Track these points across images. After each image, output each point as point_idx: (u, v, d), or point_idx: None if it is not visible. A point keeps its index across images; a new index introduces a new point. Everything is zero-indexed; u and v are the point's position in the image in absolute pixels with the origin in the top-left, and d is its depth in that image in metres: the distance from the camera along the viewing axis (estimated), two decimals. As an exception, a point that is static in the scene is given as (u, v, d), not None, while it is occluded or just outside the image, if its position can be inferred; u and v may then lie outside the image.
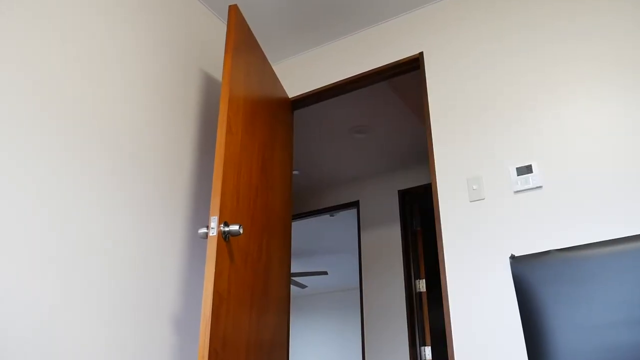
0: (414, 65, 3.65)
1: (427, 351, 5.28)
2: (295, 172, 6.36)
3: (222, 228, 2.47)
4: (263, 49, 4.19)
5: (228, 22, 2.99)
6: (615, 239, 2.51)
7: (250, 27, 3.92)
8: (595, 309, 2.32)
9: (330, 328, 11.85)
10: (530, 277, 2.57)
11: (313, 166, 6.26)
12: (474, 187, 3.00)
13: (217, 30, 3.84)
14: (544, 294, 2.47)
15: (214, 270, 2.36)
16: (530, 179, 2.84)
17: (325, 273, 9.10)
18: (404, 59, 3.66)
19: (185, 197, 3.19)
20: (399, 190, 6.20)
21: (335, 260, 10.36)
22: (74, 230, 2.46)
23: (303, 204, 6.97)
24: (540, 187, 2.82)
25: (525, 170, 2.87)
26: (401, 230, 5.89)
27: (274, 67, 4.32)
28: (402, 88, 4.72)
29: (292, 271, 10.57)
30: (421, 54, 3.59)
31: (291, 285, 10.82)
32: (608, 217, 2.63)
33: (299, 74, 4.15)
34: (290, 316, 12.46)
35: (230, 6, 3.04)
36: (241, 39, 3.09)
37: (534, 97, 3.03)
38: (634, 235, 2.49)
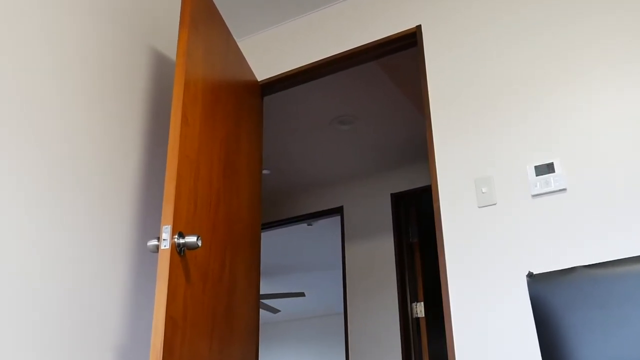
0: (409, 42, 3.66)
1: (426, 389, 5.30)
2: (265, 172, 6.35)
3: (176, 240, 2.48)
4: (227, 22, 4.18)
5: (183, -13, 2.98)
6: (653, 253, 2.53)
7: (211, -6, 3.91)
8: (631, 338, 2.32)
9: (308, 361, 11.86)
10: (552, 299, 2.57)
11: (287, 164, 6.25)
12: (484, 189, 3.01)
13: (171, 0, 3.83)
14: (569, 320, 2.47)
15: (166, 291, 2.36)
16: (551, 180, 2.85)
17: (302, 295, 9.10)
18: (397, 34, 3.66)
19: (132, 203, 3.17)
20: (392, 194, 6.21)
21: (315, 280, 10.38)
22: (-8, 243, 2.42)
23: (275, 210, 6.96)
24: (564, 189, 2.83)
25: (546, 169, 2.88)
26: (395, 242, 5.90)
27: (239, 44, 4.30)
28: (396, 70, 4.72)
29: (262, 292, 10.56)
30: (418, 27, 3.59)
31: (261, 310, 10.82)
32: (645, 226, 2.65)
33: (270, 52, 4.14)
34: (260, 347, 12.43)
35: (186, -32, 3.02)
36: (200, 9, 3.08)
37: (557, 81, 3.04)
38: (675, 248, 2.50)
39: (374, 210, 6.26)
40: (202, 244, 2.73)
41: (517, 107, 3.10)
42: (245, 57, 4.22)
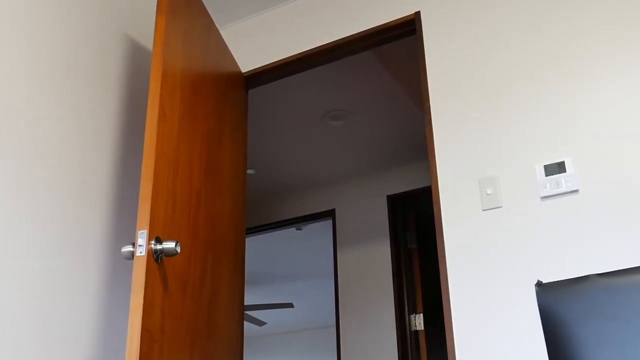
0: (407, 30, 3.66)
1: (425, 408, 5.30)
2: (250, 172, 6.34)
3: (153, 246, 2.48)
4: (208, 9, 4.17)
5: (161, -30, 2.97)
6: (672, 260, 2.53)
7: (191, -23, 3.91)
8: (648, 352, 2.32)
9: (296, 378, 11.86)
10: (563, 311, 2.57)
11: (274, 163, 6.25)
12: (488, 191, 3.01)
13: (147, -18, 3.82)
14: (582, 333, 2.47)
15: (142, 302, 2.36)
16: (562, 181, 2.86)
17: (290, 306, 9.11)
18: (394, 21, 3.66)
19: (104, 205, 3.16)
20: (388, 196, 6.21)
21: (304, 289, 10.38)
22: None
23: (261, 213, 6.95)
24: (576, 191, 2.84)
25: (557, 168, 2.89)
26: (391, 248, 5.91)
27: (222, 32, 4.30)
28: (393, 60, 4.72)
29: (246, 303, 10.56)
30: (417, 14, 3.59)
31: (245, 322, 10.82)
32: (663, 230, 2.65)
33: (256, 41, 4.13)
34: (244, 362, 12.42)
35: (163, -51, 3.01)
36: (179, -7, 3.07)
37: (569, 71, 3.05)
38: (697, 255, 2.50)
39: (368, 213, 6.26)
40: (181, 250, 2.73)
41: (525, 101, 3.10)
42: (229, 46, 4.21)
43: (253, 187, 6.68)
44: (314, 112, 5.41)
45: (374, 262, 6.01)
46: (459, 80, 3.32)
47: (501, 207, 2.98)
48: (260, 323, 9.52)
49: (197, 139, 3.09)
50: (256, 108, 5.32)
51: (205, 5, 4.14)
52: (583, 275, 2.69)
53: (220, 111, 3.47)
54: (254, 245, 8.33)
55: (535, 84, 3.10)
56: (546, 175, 2.90)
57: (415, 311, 5.65)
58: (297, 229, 7.91)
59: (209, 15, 3.50)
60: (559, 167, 2.89)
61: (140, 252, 2.44)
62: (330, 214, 6.54)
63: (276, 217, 6.88)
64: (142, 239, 2.46)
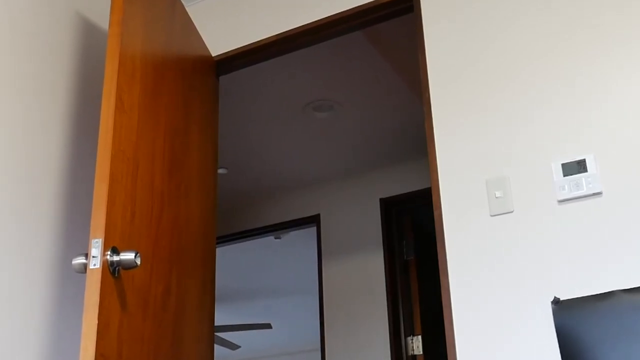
0: (404, 7, 3.66)
1: None
2: (221, 171, 6.33)
3: (108, 257, 2.48)
4: (173, -19, 4.17)
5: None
6: None
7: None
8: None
9: (275, 410, 11.86)
10: (584, 331, 2.57)
11: (249, 162, 6.24)
12: (497, 194, 3.01)
13: (101, -49, 3.82)
14: (606, 358, 2.47)
15: (96, 322, 2.36)
16: (583, 182, 2.86)
17: (268, 326, 9.11)
18: (389, -3, 3.66)
19: (52, 210, 3.16)
20: (381, 199, 6.22)
21: (284, 307, 10.37)
22: None
23: (234, 220, 6.95)
24: (599, 193, 2.84)
25: (576, 167, 2.89)
26: (385, 260, 5.91)
27: (189, 10, 4.28)
28: (387, 42, 4.73)
29: (217, 323, 10.52)
30: (416, -10, 3.60)
31: (216, 345, 10.79)
32: (698, 239, 2.66)
33: (228, 20, 4.13)
34: (214, 392, 12.39)
35: None
36: (138, -36, 3.07)
37: (591, 54, 3.05)
38: None
39: (358, 219, 6.26)
40: (141, 262, 2.72)
41: (540, 89, 3.10)
42: (197, 27, 4.20)
43: (225, 189, 6.67)
44: (295, 102, 5.41)
45: (365, 275, 6.01)
46: (464, 66, 3.32)
47: (512, 212, 2.98)
48: (233, 347, 9.51)
49: (160, 133, 3.09)
50: (229, 97, 5.32)
51: (170, -22, 4.14)
52: (607, 291, 2.70)
53: (187, 101, 3.47)
54: (226, 256, 8.32)
55: (552, 69, 3.11)
56: (564, 175, 2.90)
57: (412, 333, 5.66)
58: (275, 238, 7.91)
59: (174, -11, 3.49)
60: (579, 166, 2.89)
61: (94, 265, 2.43)
62: (314, 220, 6.54)
63: (251, 223, 6.88)
64: (96, 249, 2.45)
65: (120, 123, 2.71)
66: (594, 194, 2.85)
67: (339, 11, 3.78)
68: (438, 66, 3.39)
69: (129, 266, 2.51)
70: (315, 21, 3.83)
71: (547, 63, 3.13)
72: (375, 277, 5.99)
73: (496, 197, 3.02)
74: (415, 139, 5.92)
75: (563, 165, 2.92)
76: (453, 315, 2.96)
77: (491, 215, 3.01)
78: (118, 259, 2.50)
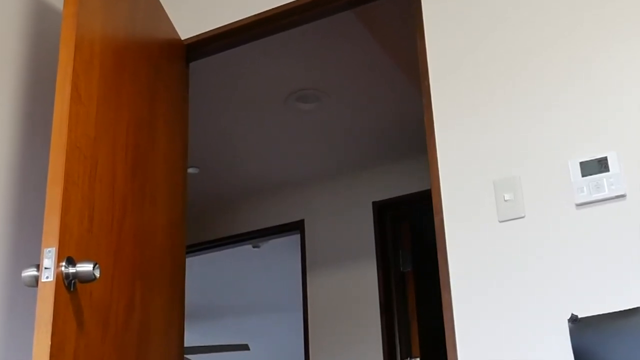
0: (401, -15, 3.66)
1: None
2: (192, 171, 6.33)
3: (63, 268, 2.47)
4: (136, -46, 4.16)
5: None
6: None
7: None
8: None
9: None
10: (605, 353, 2.57)
11: (224, 160, 6.24)
12: (507, 196, 3.01)
13: None
14: (631, 383, 2.47)
15: (49, 343, 2.35)
16: (604, 183, 2.86)
17: (245, 348, 9.09)
18: (384, -27, 3.66)
19: (-5, 215, 3.13)
20: (374, 203, 6.23)
21: (263, 326, 10.36)
22: None
23: (207, 227, 6.94)
24: (623, 196, 2.85)
25: (597, 166, 2.89)
26: (378, 272, 5.92)
27: (155, -14, 4.29)
28: (381, 23, 4.73)
29: (187, 344, 10.50)
30: (414, -36, 3.60)
31: (185, 369, 10.77)
32: None
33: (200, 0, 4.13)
34: (184, 423, 12.37)
35: None
36: None
37: (612, 39, 3.06)
38: None
39: (348, 226, 6.27)
40: (100, 274, 2.71)
41: (554, 77, 3.11)
42: (164, 6, 4.19)
43: (196, 191, 6.67)
44: (276, 92, 5.41)
45: (355, 290, 6.02)
46: (468, 50, 3.32)
47: (523, 217, 2.98)
48: (205, 371, 9.50)
49: (122, 127, 3.08)
50: (200, 87, 5.31)
51: (133, -50, 4.13)
52: (630, 307, 2.70)
53: (153, 91, 3.47)
54: (197, 268, 8.32)
55: (568, 55, 3.11)
56: (583, 176, 2.90)
57: (410, 355, 5.67)
58: (253, 247, 7.92)
59: (138, -37, 3.49)
60: (600, 165, 2.89)
61: (47, 277, 2.42)
62: (297, 227, 6.55)
63: (226, 230, 6.88)
64: (49, 259, 2.44)
65: (76, 116, 2.69)
66: (617, 197, 2.85)
67: (326, -12, 3.79)
68: (439, 51, 3.39)
69: (86, 279, 2.49)
70: (299, 0, 3.83)
71: (563, 48, 3.13)
72: (368, 292, 5.99)
73: (505, 201, 3.02)
74: (413, 134, 5.93)
75: (582, 164, 2.92)
76: (456, 336, 2.97)
77: (500, 221, 3.01)
78: (74, 270, 2.48)
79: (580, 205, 2.89)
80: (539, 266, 2.90)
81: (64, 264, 2.46)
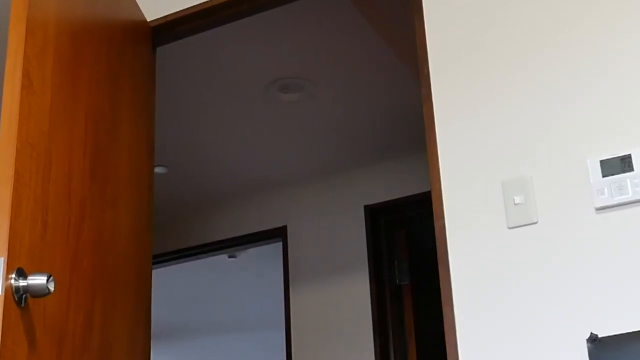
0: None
1: None
2: (160, 171, 6.32)
3: (13, 281, 2.46)
4: None
5: None
6: None
7: None
8: None
9: None
10: (629, 377, 2.57)
11: (195, 159, 6.24)
12: (517, 199, 3.01)
13: None
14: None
15: (-4, 366, 2.36)
16: (628, 184, 2.86)
17: (220, 371, 9.10)
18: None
19: None
20: (366, 207, 6.23)
21: (241, 346, 10.35)
22: None
23: (176, 234, 6.94)
24: (649, 199, 2.85)
25: (619, 165, 2.89)
26: (371, 285, 5.92)
27: (117, -40, 4.28)
28: (375, 4, 4.73)
29: (153, 367, 10.49)
30: (412, -64, 3.60)
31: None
32: None
33: (169, -27, 4.12)
34: None
35: None
36: None
37: (635, 22, 3.06)
38: None
39: (337, 233, 6.27)
40: (55, 287, 2.69)
41: (571, 65, 3.11)
42: (127, -19, 4.19)
43: (164, 194, 6.66)
44: (256, 80, 5.42)
45: (345, 305, 6.03)
46: (475, 33, 3.33)
47: (536, 223, 2.98)
48: (174, 398, 9.51)
49: (80, 121, 3.07)
50: (169, 75, 5.31)
51: None
52: (657, 325, 2.71)
53: (115, 79, 3.47)
54: (166, 281, 8.30)
55: (588, 39, 3.11)
56: (604, 176, 2.90)
57: (407, 379, 5.68)
58: (229, 257, 7.91)
59: None
60: (623, 164, 2.89)
61: (-5, 291, 2.42)
62: (279, 234, 6.55)
63: (198, 238, 6.88)
64: (-4, 270, 2.44)
65: (28, 107, 2.68)
66: (641, 201, 2.86)
67: (313, -37, 3.79)
68: (441, 33, 3.40)
69: (39, 293, 2.48)
70: (282, -24, 3.84)
71: (583, 32, 3.13)
72: (359, 308, 6.00)
73: (515, 204, 3.02)
74: (410, 129, 5.93)
75: (602, 162, 2.91)
76: (459, 355, 2.97)
77: (509, 228, 3.01)
78: (25, 283, 2.47)
79: (600, 209, 2.89)
80: (554, 279, 2.90)
81: (13, 276, 2.45)
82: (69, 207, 2.90)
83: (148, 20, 4.04)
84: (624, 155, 2.89)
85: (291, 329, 6.17)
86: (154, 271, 4.04)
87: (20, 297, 2.47)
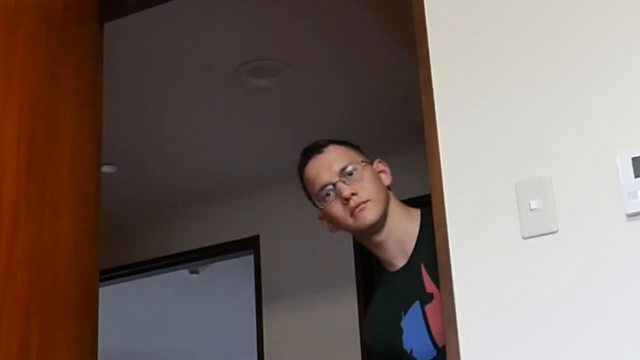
0: None
1: None
2: (108, 170, 6.31)
3: None
4: None
5: None
6: None
7: None
8: None
9: None
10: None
11: (151, 156, 6.23)
12: (534, 204, 3.00)
13: None
14: None
15: None
16: (665, 187, 2.86)
17: (179, 408, 9.12)
18: None
19: None
20: (353, 213, 6.23)
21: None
22: None
23: (128, 245, 6.93)
24: (692, 206, 2.85)
25: (655, 165, 2.89)
26: (360, 305, 5.92)
27: None
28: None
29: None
30: None
31: None
32: None
33: None
34: None
35: None
36: None
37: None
38: None
39: (319, 243, 6.27)
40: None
41: (598, 46, 3.10)
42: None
43: (114, 198, 6.64)
44: (222, 63, 5.43)
45: (329, 330, 6.04)
46: (482, 8, 3.32)
47: (556, 232, 2.96)
48: None
49: (14, 112, 3.09)
50: (120, 57, 5.29)
51: None
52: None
53: (55, 63, 3.47)
54: (115, 301, 8.30)
55: (620, 16, 3.11)
56: (636, 176, 2.88)
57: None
58: (191, 273, 7.93)
59: None
60: (660, 162, 2.89)
61: None
62: (250, 245, 6.57)
63: (154, 250, 6.89)
64: None
65: (-50, 95, 2.69)
66: (683, 207, 2.86)
67: None
68: (442, 9, 3.40)
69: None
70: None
71: (613, 8, 3.13)
72: (345, 333, 6.01)
73: (531, 210, 3.01)
74: (405, 121, 5.94)
75: (635, 160, 2.90)
76: (464, 391, 2.96)
77: (524, 238, 3.00)
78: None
79: (632, 215, 2.88)
80: (577, 298, 2.88)
81: None
82: (0, 213, 2.90)
83: (95, -9, 4.04)
84: (660, 153, 2.89)
85: (264, 357, 6.17)
86: (101, 289, 4.02)
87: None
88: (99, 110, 3.82)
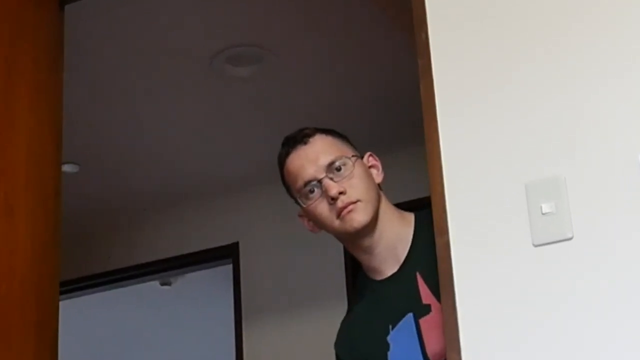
0: None
1: None
2: (69, 169, 6.30)
3: None
4: None
5: None
6: None
7: None
8: None
9: None
10: None
11: (118, 154, 6.22)
12: (546, 207, 2.99)
13: None
14: None
15: None
16: (696, 188, 2.85)
17: None
18: None
19: None
20: (344, 218, 6.24)
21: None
22: None
23: (92, 253, 6.92)
24: None
25: (683, 163, 2.88)
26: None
27: None
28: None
29: None
30: None
31: None
32: None
33: None
34: None
35: None
36: None
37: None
38: None
39: (305, 251, 6.27)
40: None
41: (617, 32, 3.10)
42: None
43: (76, 200, 6.64)
44: (198, 50, 5.43)
45: (316, 348, 6.02)
46: (483, -8, 3.32)
47: (571, 239, 2.95)
48: None
49: (-38, 103, 3.05)
50: (82, 43, 5.27)
51: None
52: None
53: (10, 50, 3.50)
54: (78, 316, 8.31)
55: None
56: (661, 177, 2.89)
57: None
58: (162, 284, 7.93)
59: None
60: (689, 161, 2.88)
61: None
62: (228, 254, 6.58)
63: (122, 260, 6.89)
64: None
65: None
66: None
67: None
68: (441, -5, 3.39)
69: None
70: None
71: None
72: (333, 348, 6.01)
73: (543, 214, 3.00)
74: (402, 115, 5.94)
75: (659, 158, 2.91)
76: (468, 421, 2.95)
77: (535, 245, 2.99)
78: None
79: (657, 220, 2.88)
80: (595, 313, 2.88)
81: None
82: (-53, 219, 2.90)
83: (55, -30, 4.03)
84: (690, 149, 2.88)
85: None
86: (62, 302, 4.03)
87: None
88: (60, 102, 3.82)
